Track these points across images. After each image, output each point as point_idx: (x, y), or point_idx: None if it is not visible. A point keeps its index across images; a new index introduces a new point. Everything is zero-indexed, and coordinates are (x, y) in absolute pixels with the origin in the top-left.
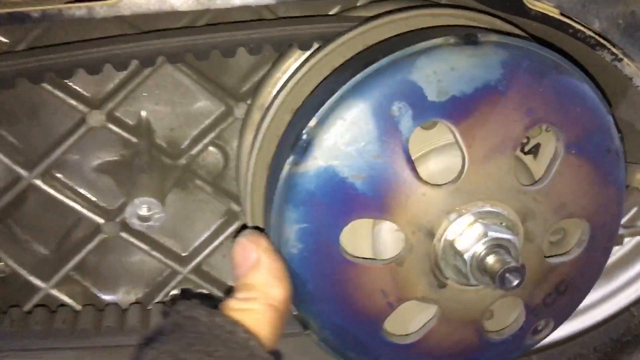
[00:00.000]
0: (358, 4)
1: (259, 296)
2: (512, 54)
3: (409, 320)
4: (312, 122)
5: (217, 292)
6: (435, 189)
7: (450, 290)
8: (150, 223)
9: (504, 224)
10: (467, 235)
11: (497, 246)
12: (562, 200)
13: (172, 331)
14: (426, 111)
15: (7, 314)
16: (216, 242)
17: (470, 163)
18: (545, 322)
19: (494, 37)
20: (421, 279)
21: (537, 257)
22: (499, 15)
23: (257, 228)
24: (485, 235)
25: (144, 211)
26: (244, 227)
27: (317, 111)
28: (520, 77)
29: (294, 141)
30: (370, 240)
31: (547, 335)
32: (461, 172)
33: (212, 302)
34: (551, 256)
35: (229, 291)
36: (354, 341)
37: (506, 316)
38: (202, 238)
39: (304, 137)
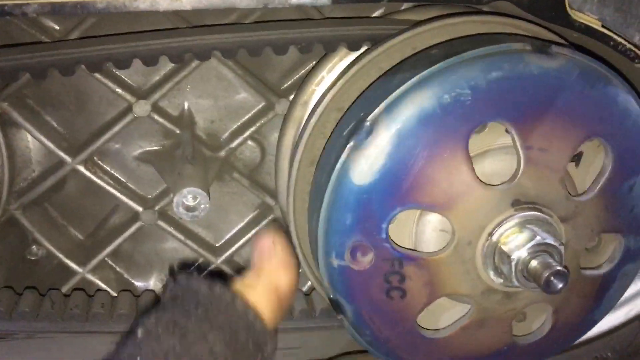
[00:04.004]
0: (403, 8)
1: (264, 279)
2: (579, 68)
3: (440, 315)
4: (377, 111)
5: None
6: (488, 189)
7: (486, 290)
8: (195, 213)
9: (550, 230)
10: (514, 238)
11: (543, 251)
12: (604, 214)
13: (171, 301)
14: (490, 112)
15: (46, 296)
16: (249, 234)
17: (526, 167)
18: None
19: (567, 51)
20: (459, 276)
21: (572, 266)
22: (544, 24)
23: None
24: (533, 239)
25: (190, 201)
26: (273, 220)
27: (382, 101)
28: (582, 90)
29: (353, 129)
30: (413, 232)
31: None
32: (515, 174)
33: (210, 274)
34: (584, 268)
35: (239, 271)
36: (386, 330)
37: (533, 321)
38: (236, 229)
39: (367, 124)
